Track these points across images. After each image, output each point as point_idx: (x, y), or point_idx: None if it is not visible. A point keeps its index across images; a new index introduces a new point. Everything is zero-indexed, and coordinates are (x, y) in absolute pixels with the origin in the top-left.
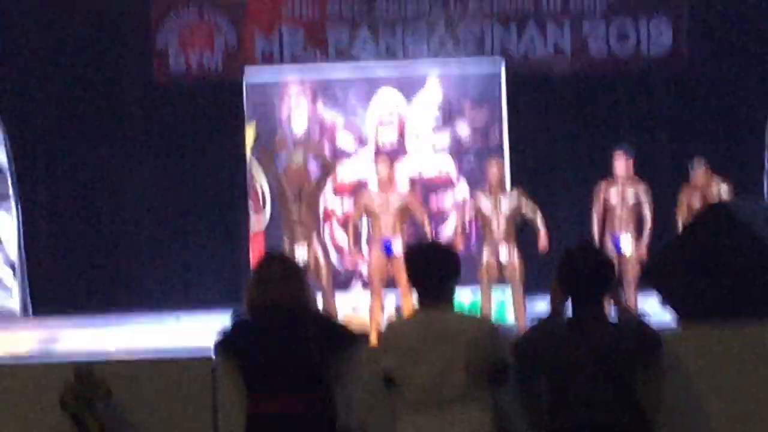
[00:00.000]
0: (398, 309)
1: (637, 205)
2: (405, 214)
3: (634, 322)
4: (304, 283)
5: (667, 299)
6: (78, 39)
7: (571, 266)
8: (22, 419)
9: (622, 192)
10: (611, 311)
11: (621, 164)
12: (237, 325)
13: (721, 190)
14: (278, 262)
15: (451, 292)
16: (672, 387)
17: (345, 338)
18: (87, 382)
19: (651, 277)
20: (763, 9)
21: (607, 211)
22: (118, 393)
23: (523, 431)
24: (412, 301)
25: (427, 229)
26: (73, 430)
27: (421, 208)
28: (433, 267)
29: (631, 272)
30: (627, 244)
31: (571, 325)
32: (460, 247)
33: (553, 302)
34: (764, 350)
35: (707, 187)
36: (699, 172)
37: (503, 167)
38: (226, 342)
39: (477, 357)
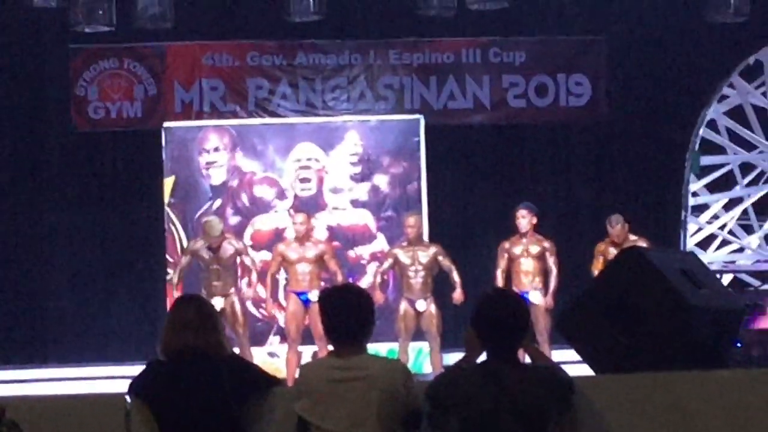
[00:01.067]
0: (314, 357)
1: (542, 259)
2: (322, 263)
3: (548, 368)
4: (218, 327)
5: (580, 351)
6: None
7: (488, 311)
8: None
9: (526, 247)
10: (524, 358)
11: (524, 222)
12: (151, 366)
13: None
14: (193, 304)
15: (365, 336)
16: None
17: (260, 381)
18: None
19: (563, 327)
20: (682, 67)
21: (512, 266)
22: None
23: None
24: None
25: (339, 278)
26: None
27: (335, 258)
28: (346, 309)
29: (542, 323)
30: (535, 296)
31: (485, 369)
32: (378, 298)
33: (467, 347)
34: (678, 397)
35: (624, 242)
36: (616, 228)
37: (421, 220)
38: (140, 384)
39: (390, 400)
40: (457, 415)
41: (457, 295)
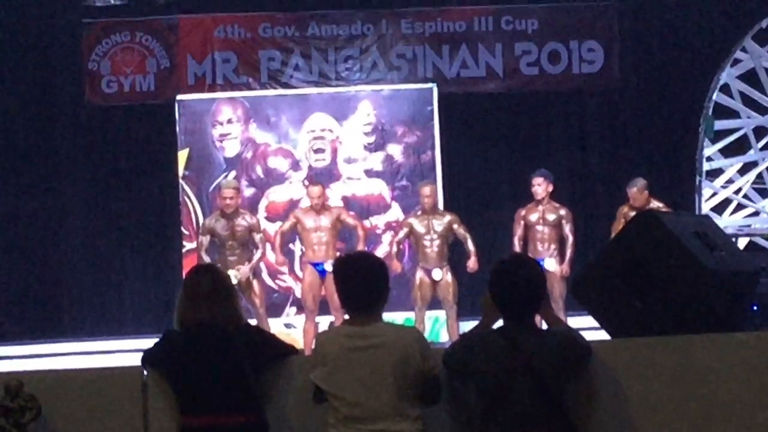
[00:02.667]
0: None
1: (558, 227)
2: (338, 230)
3: (564, 333)
4: (234, 297)
5: (595, 315)
6: (10, 62)
7: (504, 276)
8: None
9: (542, 214)
10: (541, 324)
11: (540, 190)
12: (166, 337)
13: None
14: (208, 275)
15: (380, 304)
16: (602, 398)
17: (276, 351)
18: (16, 397)
19: (578, 292)
20: (695, 31)
21: (528, 234)
22: (48, 406)
23: None
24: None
25: (361, 233)
26: None
27: (355, 218)
28: (361, 277)
29: (558, 290)
30: (551, 264)
31: (502, 334)
32: (394, 268)
33: (484, 313)
34: (693, 361)
35: (645, 206)
36: (633, 190)
37: (436, 189)
38: (156, 356)
39: (405, 367)
40: (475, 381)
41: (472, 263)
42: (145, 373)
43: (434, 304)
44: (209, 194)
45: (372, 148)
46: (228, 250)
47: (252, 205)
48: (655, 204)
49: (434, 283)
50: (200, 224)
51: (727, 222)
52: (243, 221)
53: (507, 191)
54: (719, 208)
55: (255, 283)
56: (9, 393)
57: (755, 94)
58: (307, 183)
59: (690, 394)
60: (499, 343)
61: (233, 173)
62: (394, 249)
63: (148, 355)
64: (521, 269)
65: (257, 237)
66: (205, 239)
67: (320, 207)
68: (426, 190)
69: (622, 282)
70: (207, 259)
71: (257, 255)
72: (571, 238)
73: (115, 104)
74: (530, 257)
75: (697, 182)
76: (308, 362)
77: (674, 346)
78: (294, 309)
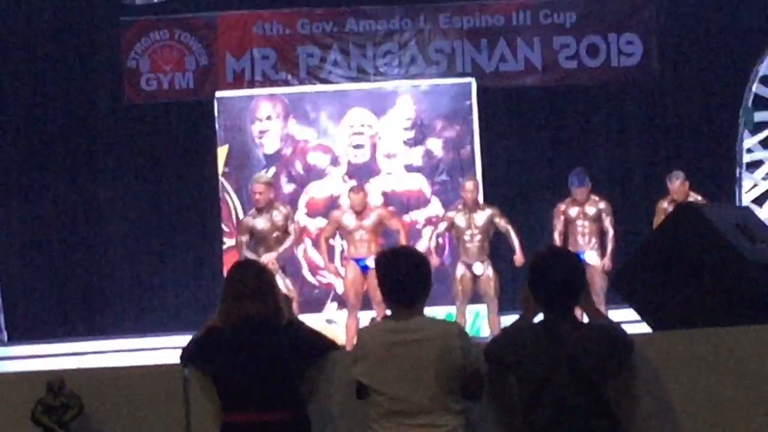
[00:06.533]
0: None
1: (599, 220)
2: (380, 229)
3: (606, 326)
4: (276, 293)
5: (637, 308)
6: (50, 60)
7: (543, 269)
8: None
9: (582, 209)
10: (582, 317)
11: (580, 191)
12: (208, 334)
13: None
14: (251, 271)
15: (422, 298)
16: (644, 392)
17: (318, 347)
18: (59, 395)
19: (619, 284)
20: (734, 22)
21: (568, 228)
22: (90, 403)
23: None
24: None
25: (402, 237)
26: None
27: (395, 218)
28: (402, 272)
29: (599, 284)
30: (591, 257)
31: (543, 328)
32: (434, 262)
33: (524, 307)
34: (736, 353)
35: (685, 199)
36: (676, 184)
37: (478, 184)
38: (198, 352)
39: (447, 362)
40: (516, 375)
41: (518, 257)
42: (186, 370)
43: (475, 298)
44: (249, 191)
45: (411, 143)
46: (268, 244)
47: (292, 202)
48: (695, 197)
49: (475, 277)
50: (239, 221)
51: None
52: (279, 214)
53: (546, 185)
54: (760, 200)
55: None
56: (51, 391)
57: None
58: (347, 178)
59: (732, 387)
60: (540, 337)
61: (273, 169)
62: (434, 243)
63: (188, 351)
64: (559, 262)
65: (291, 227)
66: (244, 238)
67: (361, 210)
68: (469, 185)
69: (662, 274)
70: (250, 256)
71: (287, 242)
72: (611, 232)
73: (155, 102)
74: (567, 250)
75: (737, 174)
76: (350, 358)
77: (716, 338)
78: (335, 305)
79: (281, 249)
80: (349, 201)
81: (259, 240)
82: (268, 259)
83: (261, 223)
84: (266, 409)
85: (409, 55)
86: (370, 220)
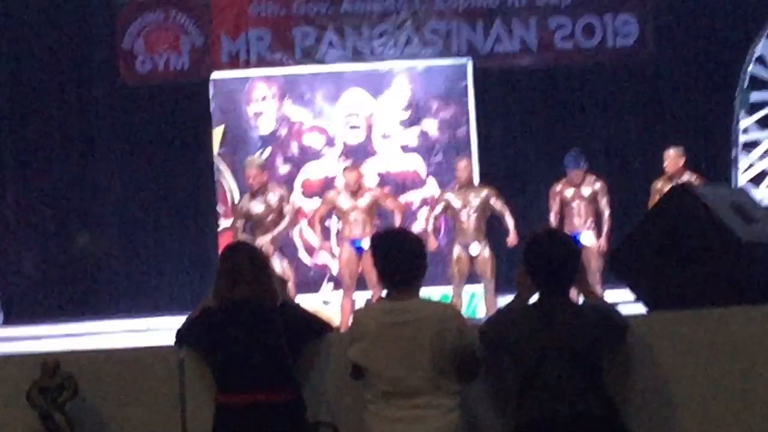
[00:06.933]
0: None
1: (594, 201)
2: (374, 210)
3: (601, 308)
4: (271, 275)
5: (632, 288)
6: (45, 42)
7: (539, 251)
8: None
9: (578, 189)
10: (578, 298)
11: (576, 173)
12: (203, 315)
13: (693, 182)
14: (245, 253)
15: (417, 279)
16: (639, 373)
17: (313, 328)
18: (54, 376)
19: (615, 265)
20: (729, 3)
21: (564, 209)
22: (85, 385)
23: (493, 421)
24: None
25: (398, 218)
26: (40, 424)
27: (391, 197)
28: (398, 253)
29: (594, 265)
30: (587, 238)
31: (538, 309)
32: (431, 244)
33: (520, 287)
34: (730, 334)
35: (680, 175)
36: (672, 154)
37: (471, 163)
38: (193, 334)
39: (442, 342)
40: (511, 356)
41: (512, 238)
42: (181, 350)
43: (471, 278)
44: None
45: (407, 123)
46: (265, 227)
47: (288, 183)
48: (691, 176)
49: (472, 258)
50: (235, 205)
51: (765, 194)
52: (274, 196)
53: (542, 165)
54: (756, 180)
55: (276, 260)
56: (46, 372)
57: None
58: (343, 159)
59: (727, 367)
60: (534, 317)
61: (268, 150)
62: (430, 226)
63: (182, 332)
64: (554, 243)
65: (286, 207)
66: (240, 222)
67: (355, 190)
68: (461, 164)
69: (658, 255)
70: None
71: (281, 225)
72: (607, 212)
73: (150, 83)
74: (562, 231)
75: (734, 154)
76: (345, 339)
77: (711, 318)
78: (331, 285)
79: (275, 231)
80: (344, 180)
81: (255, 223)
82: (263, 242)
83: (256, 206)
84: (261, 390)
85: (404, 35)
86: (364, 201)
